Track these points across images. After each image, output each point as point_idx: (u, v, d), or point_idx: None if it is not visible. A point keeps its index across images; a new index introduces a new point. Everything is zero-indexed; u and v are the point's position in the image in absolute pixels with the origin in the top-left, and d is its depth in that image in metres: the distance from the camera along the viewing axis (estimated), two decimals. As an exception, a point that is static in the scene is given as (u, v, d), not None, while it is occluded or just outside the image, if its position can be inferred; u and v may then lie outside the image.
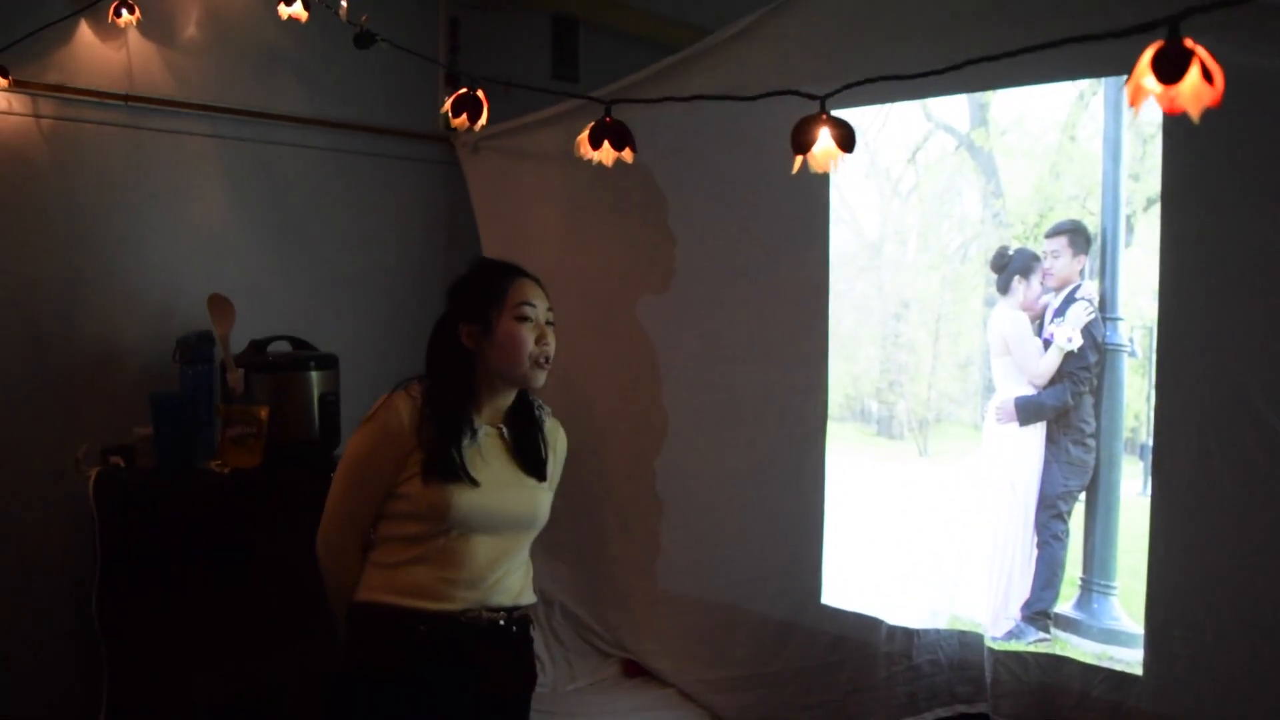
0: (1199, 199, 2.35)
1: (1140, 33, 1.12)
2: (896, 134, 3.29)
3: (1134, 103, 1.09)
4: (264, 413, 3.04)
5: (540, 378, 2.09)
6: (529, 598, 2.14)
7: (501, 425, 2.14)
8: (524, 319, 2.07)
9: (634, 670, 3.61)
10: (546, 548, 3.18)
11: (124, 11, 3.14)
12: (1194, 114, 1.05)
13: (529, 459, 2.12)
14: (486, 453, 2.07)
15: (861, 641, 3.07)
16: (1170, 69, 1.04)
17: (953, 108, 3.23)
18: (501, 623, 2.04)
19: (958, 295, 3.37)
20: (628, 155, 1.57)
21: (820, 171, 1.43)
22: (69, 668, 3.20)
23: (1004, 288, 3.53)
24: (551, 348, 2.10)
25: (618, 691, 3.47)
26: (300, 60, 3.76)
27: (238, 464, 3.02)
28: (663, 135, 3.34)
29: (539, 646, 3.48)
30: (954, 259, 3.33)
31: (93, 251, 3.20)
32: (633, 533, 3.68)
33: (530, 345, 2.07)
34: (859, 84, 1.50)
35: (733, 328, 3.39)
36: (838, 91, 1.45)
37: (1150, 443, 2.57)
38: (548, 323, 2.11)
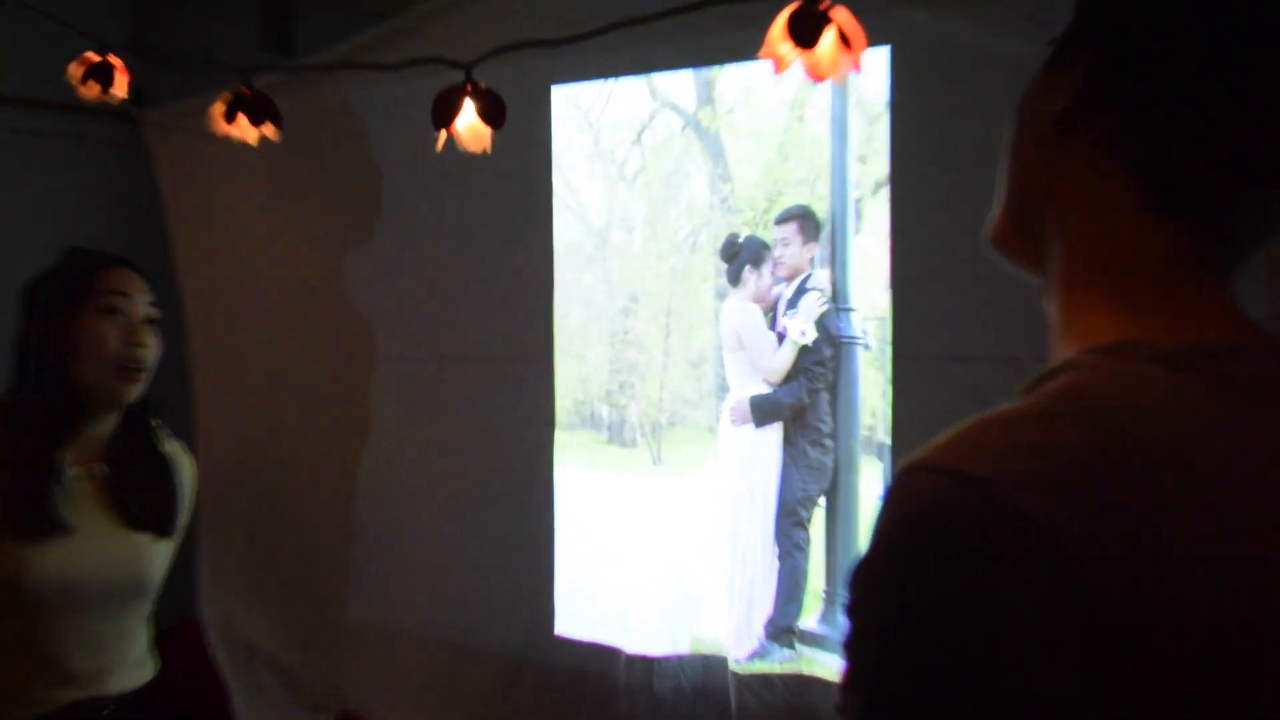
0: (927, 182, 2.49)
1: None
2: (621, 112, 3.29)
3: (778, 70, 1.10)
4: None
5: (130, 390, 1.79)
6: (146, 673, 1.87)
7: (96, 464, 1.82)
8: (110, 311, 1.77)
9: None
10: (239, 587, 2.96)
11: None
12: (835, 79, 1.06)
13: (138, 507, 1.82)
14: (75, 503, 1.75)
15: (599, 673, 3.05)
16: (806, 33, 1.04)
17: (679, 84, 3.27)
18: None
19: (688, 287, 3.39)
20: (270, 131, 1.44)
21: (474, 150, 1.37)
22: None
23: (735, 278, 3.63)
24: (151, 352, 1.81)
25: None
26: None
27: None
28: (379, 113, 3.21)
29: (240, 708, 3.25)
30: (683, 248, 3.37)
31: None
32: (336, 563, 3.50)
33: (114, 345, 1.77)
34: (501, 50, 1.45)
35: (450, 324, 3.29)
36: (481, 60, 1.39)
37: (889, 441, 2.70)
38: (148, 320, 1.82)
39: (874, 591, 0.63)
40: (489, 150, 1.28)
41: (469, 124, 1.30)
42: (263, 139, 1.42)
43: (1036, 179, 0.78)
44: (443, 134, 1.31)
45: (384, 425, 3.42)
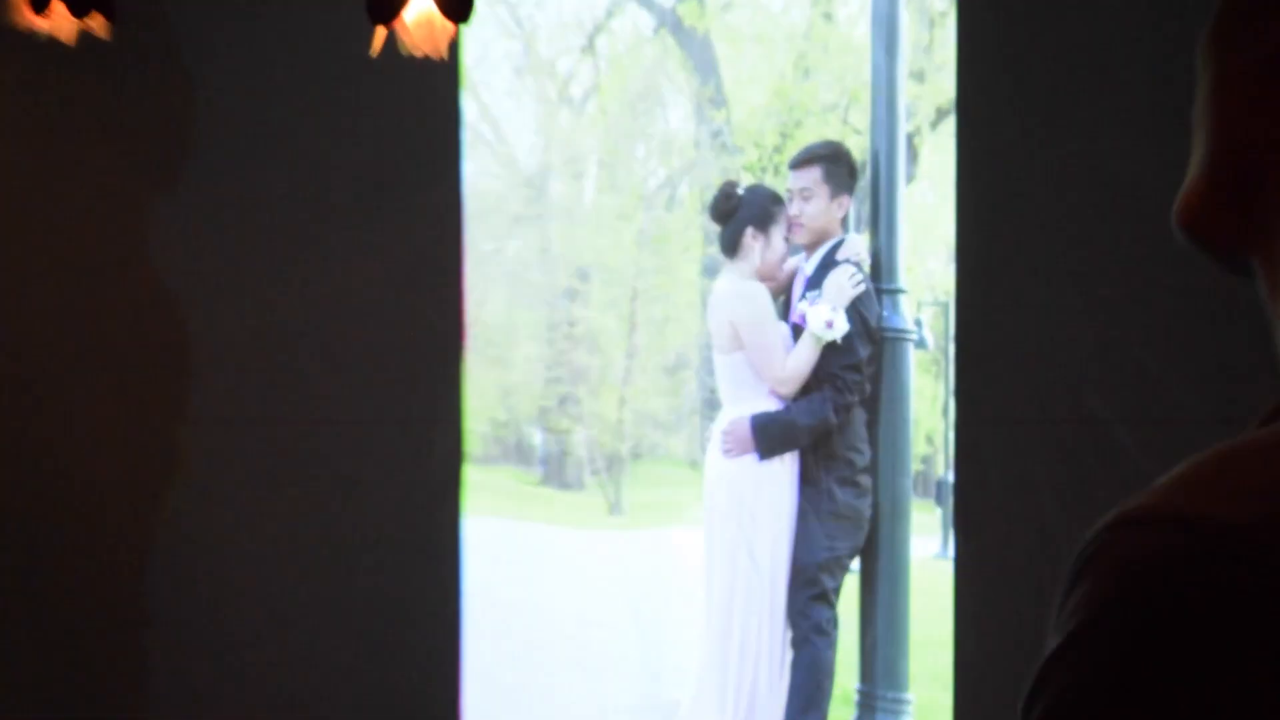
0: (1010, 109, 2.50)
1: None
2: (567, 8, 3.30)
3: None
4: None
5: None
6: None
7: None
8: None
9: None
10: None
11: None
12: None
13: None
14: None
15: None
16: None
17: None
18: None
19: (663, 259, 3.42)
20: (98, 24, 1.44)
21: (421, 54, 1.38)
22: None
23: (731, 246, 3.64)
24: None
25: None
26: None
27: None
28: (199, 21, 3.19)
29: None
30: (655, 202, 3.40)
31: None
32: (125, 655, 3.48)
33: None
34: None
35: (305, 316, 3.28)
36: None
37: (951, 477, 2.72)
38: None
39: (1095, 684, 0.63)
40: (442, 53, 1.28)
41: (422, 16, 1.30)
42: (84, 35, 1.42)
43: (1250, 137, 0.79)
44: (381, 31, 1.31)
45: (213, 466, 3.39)
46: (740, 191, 3.69)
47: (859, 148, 3.03)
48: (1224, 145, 0.81)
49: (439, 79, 3.04)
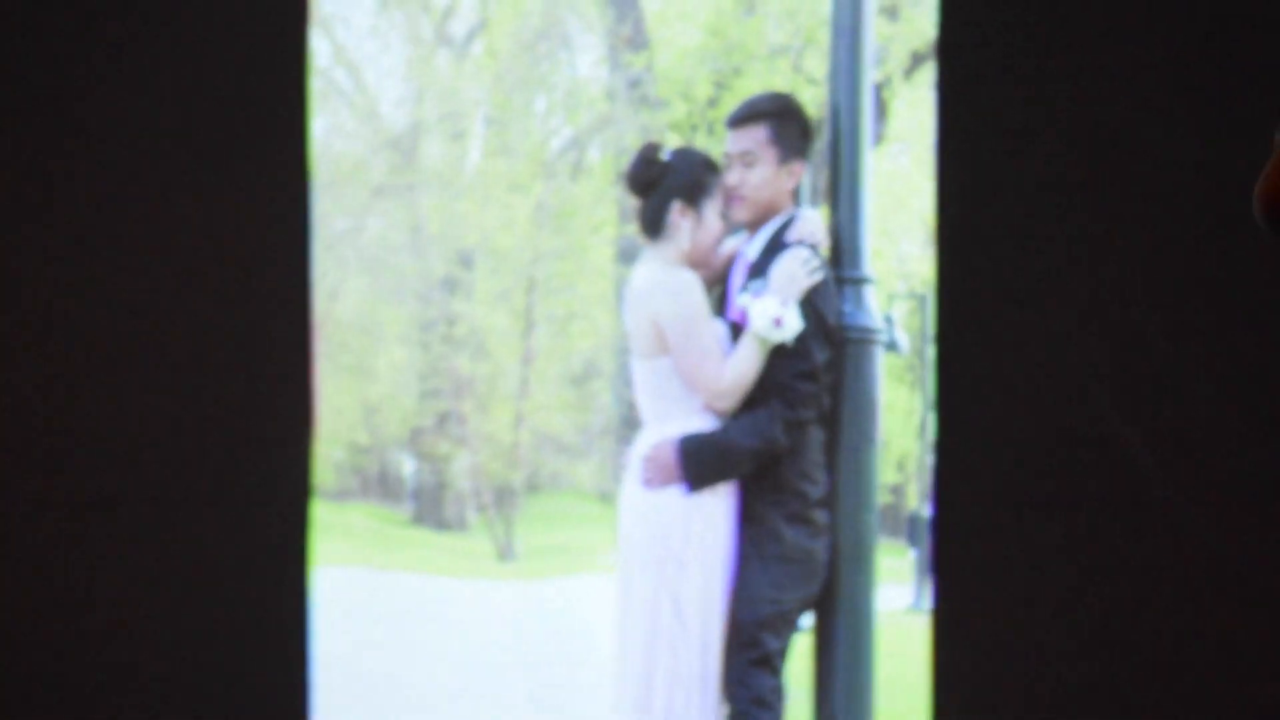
0: (1007, 50, 2.53)
1: None
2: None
3: None
4: None
5: None
6: None
7: None
8: None
9: None
10: None
11: None
12: None
13: None
14: None
15: None
16: None
17: None
18: None
19: (567, 240, 3.44)
20: None
21: None
22: None
23: (653, 225, 3.65)
24: None
25: None
26: None
27: None
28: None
29: None
30: (558, 170, 3.41)
31: None
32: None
33: None
34: None
35: (101, 315, 3.25)
36: None
37: (927, 512, 2.74)
38: None
39: None
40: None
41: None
42: None
43: None
44: None
45: None
46: (665, 156, 3.70)
47: (815, 101, 3.06)
48: None
49: (278, 10, 3.03)
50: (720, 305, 3.63)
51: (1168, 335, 2.48)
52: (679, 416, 3.52)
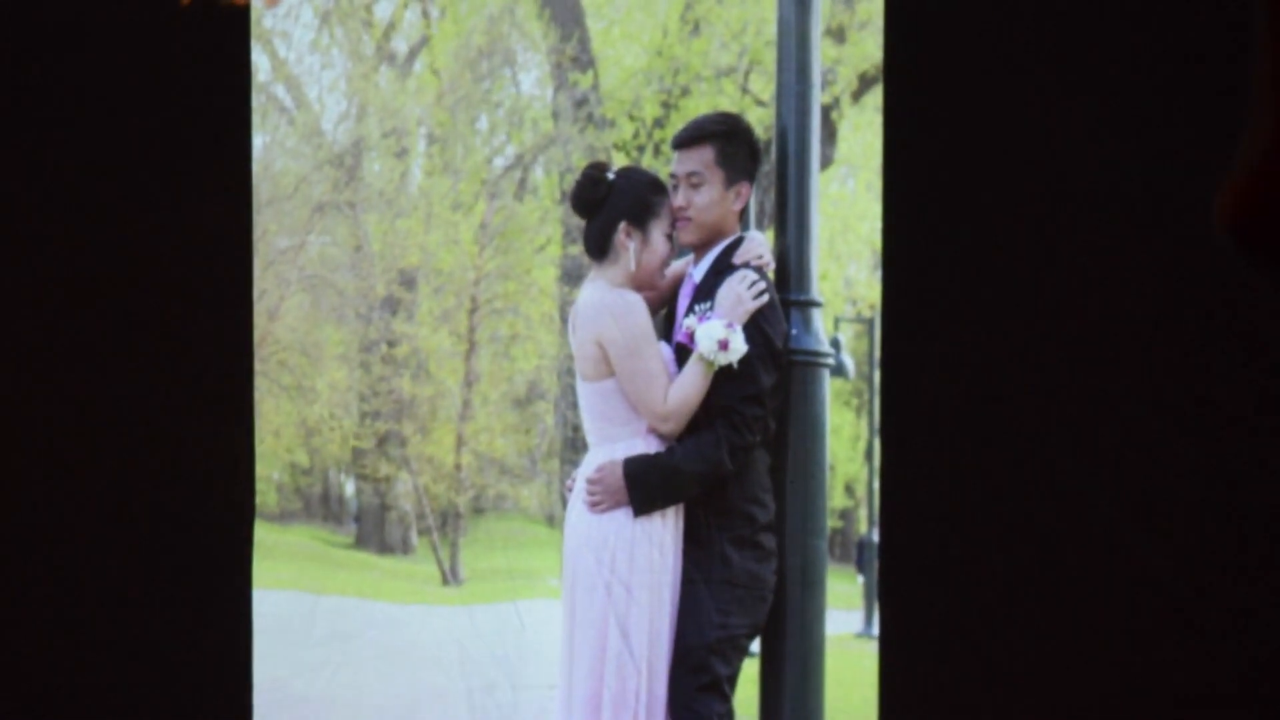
0: (955, 73, 2.53)
1: None
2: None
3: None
4: None
5: None
6: None
7: None
8: None
9: None
10: None
11: None
12: None
13: None
14: None
15: None
16: None
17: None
18: None
19: (511, 259, 3.44)
20: None
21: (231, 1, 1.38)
22: None
23: (598, 246, 3.65)
24: None
25: None
26: None
27: None
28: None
29: None
30: (502, 189, 3.41)
31: None
32: None
33: None
34: None
35: (34, 332, 3.23)
36: None
37: (875, 537, 2.75)
38: None
39: None
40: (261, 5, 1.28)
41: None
42: None
43: None
44: None
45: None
46: (610, 176, 3.69)
47: (762, 123, 3.06)
48: None
49: (218, 25, 3.01)
50: (667, 327, 3.63)
51: (1114, 357, 2.49)
52: (624, 439, 3.52)
